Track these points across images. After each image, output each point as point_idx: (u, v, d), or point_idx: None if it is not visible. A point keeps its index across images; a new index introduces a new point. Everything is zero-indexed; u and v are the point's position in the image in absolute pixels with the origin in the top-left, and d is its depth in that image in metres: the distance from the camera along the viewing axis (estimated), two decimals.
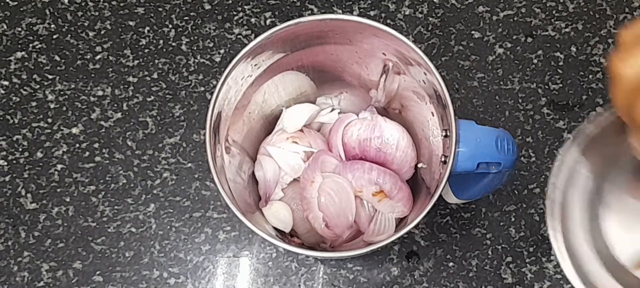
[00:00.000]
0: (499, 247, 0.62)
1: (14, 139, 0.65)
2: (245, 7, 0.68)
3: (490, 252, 0.62)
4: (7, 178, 0.64)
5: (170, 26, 0.68)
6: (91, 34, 0.68)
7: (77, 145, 0.65)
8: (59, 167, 0.64)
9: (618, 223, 0.38)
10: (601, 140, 0.39)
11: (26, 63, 0.67)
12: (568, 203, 0.38)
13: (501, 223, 0.62)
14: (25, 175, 0.64)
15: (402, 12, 0.67)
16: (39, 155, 0.65)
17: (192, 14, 0.68)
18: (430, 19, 0.67)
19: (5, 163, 0.64)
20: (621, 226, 0.38)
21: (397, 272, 0.62)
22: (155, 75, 0.66)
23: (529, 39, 0.67)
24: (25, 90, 0.66)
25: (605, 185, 0.39)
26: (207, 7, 0.68)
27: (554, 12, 0.67)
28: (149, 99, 0.66)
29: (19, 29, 0.68)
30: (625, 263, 0.38)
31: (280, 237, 0.54)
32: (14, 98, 0.66)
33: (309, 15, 0.67)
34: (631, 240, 0.38)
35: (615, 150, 0.39)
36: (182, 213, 0.63)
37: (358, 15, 0.67)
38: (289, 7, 0.68)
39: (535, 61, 0.66)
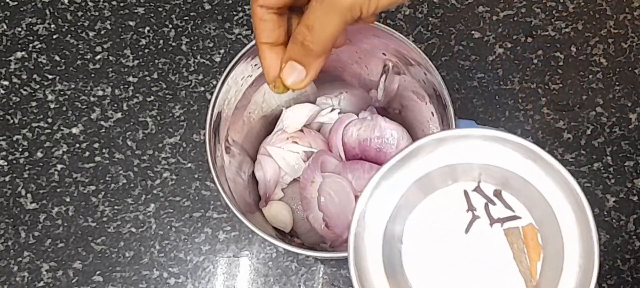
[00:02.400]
0: None
1: (14, 138, 0.65)
2: (245, 7, 0.68)
3: None
4: (7, 178, 0.64)
5: (170, 26, 0.68)
6: (91, 34, 0.68)
7: (77, 145, 0.65)
8: (59, 167, 0.64)
9: (418, 261, 0.40)
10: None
11: (26, 63, 0.67)
12: (362, 245, 0.40)
13: None
14: (25, 175, 0.64)
15: (402, 12, 0.67)
16: (39, 155, 0.65)
17: (192, 14, 0.68)
18: (430, 18, 0.67)
19: (5, 163, 0.64)
20: (421, 264, 0.40)
21: None
22: (155, 75, 0.66)
23: (529, 39, 0.67)
24: (25, 90, 0.66)
25: (405, 226, 0.40)
26: (207, 7, 0.68)
27: (554, 12, 0.67)
28: (149, 99, 0.66)
29: (19, 29, 0.68)
30: None
31: (280, 237, 0.54)
32: (14, 98, 0.66)
33: None
34: (430, 277, 0.40)
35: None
36: (182, 213, 0.63)
37: None
38: None
39: (535, 61, 0.66)
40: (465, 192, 0.39)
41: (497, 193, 0.39)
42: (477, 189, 0.39)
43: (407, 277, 0.39)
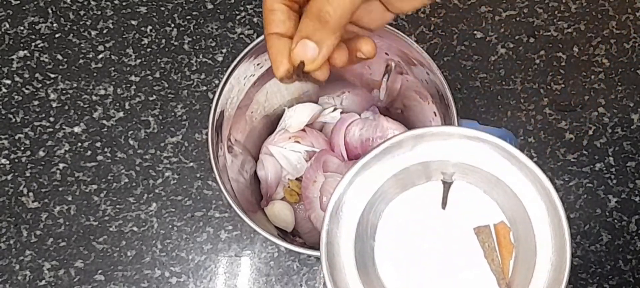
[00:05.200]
0: None
1: (16, 137, 0.65)
2: (248, 6, 0.68)
3: None
4: (9, 177, 0.64)
5: (173, 25, 0.68)
6: (93, 33, 0.68)
7: (79, 144, 0.65)
8: (61, 166, 0.64)
9: (390, 258, 0.40)
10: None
11: (28, 62, 0.67)
12: (335, 240, 0.39)
13: None
14: (27, 174, 0.64)
15: None
16: (41, 154, 0.65)
17: (194, 13, 0.68)
18: (433, 19, 0.67)
19: (7, 162, 0.64)
20: (393, 262, 0.40)
21: None
22: (157, 75, 0.66)
23: (531, 39, 0.67)
24: (27, 89, 0.66)
25: (379, 222, 0.40)
26: (210, 6, 0.68)
27: (556, 12, 0.67)
28: (151, 98, 0.66)
29: (22, 28, 0.68)
30: None
31: (282, 236, 0.54)
32: (16, 97, 0.66)
33: None
34: (401, 275, 0.40)
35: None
36: (184, 213, 0.63)
37: None
38: None
39: (537, 61, 0.66)
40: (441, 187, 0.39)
41: None
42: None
43: (379, 274, 0.40)
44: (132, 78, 0.66)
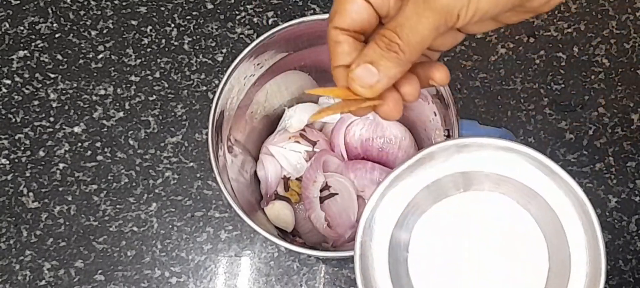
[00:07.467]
0: None
1: (16, 137, 0.65)
2: (248, 6, 0.68)
3: None
4: (9, 177, 0.64)
5: (173, 25, 0.68)
6: (93, 33, 0.68)
7: (79, 144, 0.65)
8: (61, 166, 0.64)
9: (424, 270, 0.40)
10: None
11: (28, 62, 0.67)
12: (368, 253, 0.39)
13: None
14: (27, 174, 0.64)
15: None
16: (41, 154, 0.65)
17: (194, 13, 0.68)
18: None
19: (7, 162, 0.64)
20: (427, 274, 0.40)
21: None
22: (157, 75, 0.66)
23: (532, 39, 0.67)
24: (27, 89, 0.66)
25: (412, 234, 0.40)
26: (210, 6, 0.68)
27: (556, 12, 0.67)
28: (151, 98, 0.66)
29: (22, 28, 0.68)
30: None
31: (282, 236, 0.54)
32: (16, 97, 0.66)
33: (311, 14, 0.67)
34: (436, 287, 0.39)
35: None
36: (184, 213, 0.63)
37: None
38: (291, 7, 0.68)
39: (537, 61, 0.66)
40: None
41: None
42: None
43: (413, 286, 0.39)
44: (132, 78, 0.66)
